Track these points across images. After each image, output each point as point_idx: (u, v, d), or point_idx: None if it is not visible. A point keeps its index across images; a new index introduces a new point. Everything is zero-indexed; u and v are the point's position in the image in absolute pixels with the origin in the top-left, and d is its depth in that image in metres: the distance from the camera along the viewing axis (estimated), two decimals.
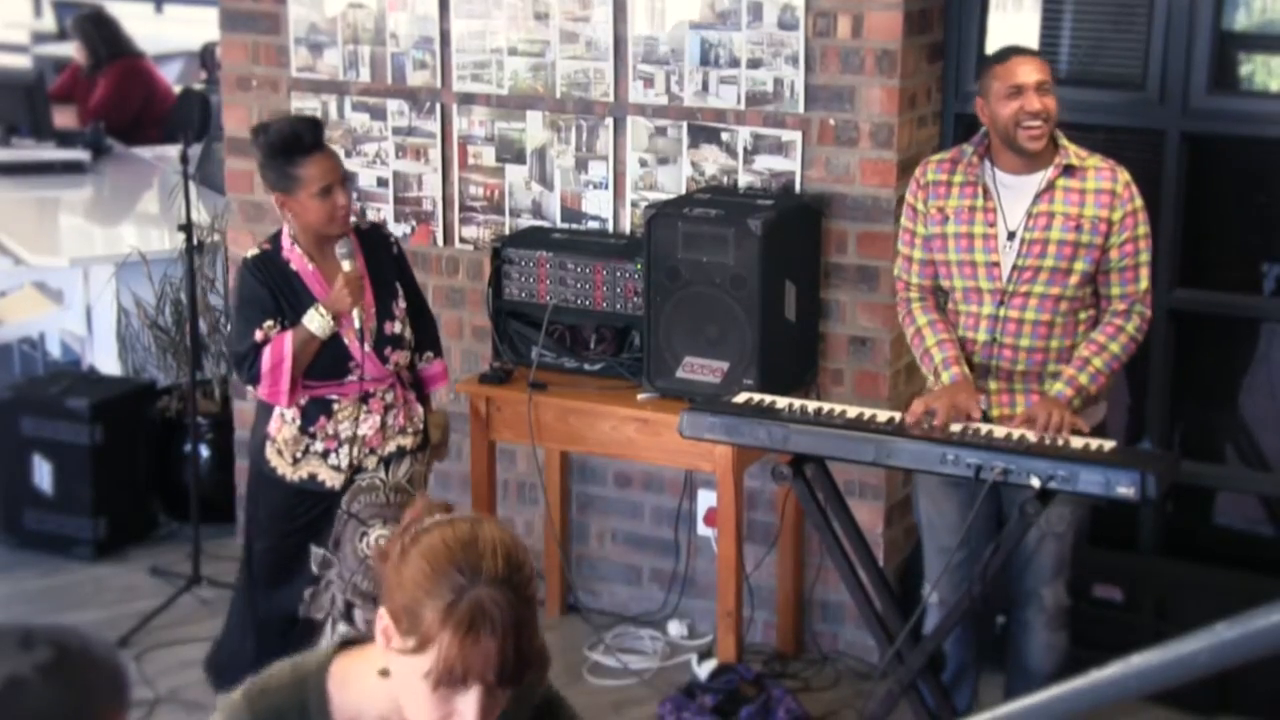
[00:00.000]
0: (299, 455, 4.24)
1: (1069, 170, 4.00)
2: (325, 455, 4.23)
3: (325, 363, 4.17)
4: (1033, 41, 4.86)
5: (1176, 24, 4.64)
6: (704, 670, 4.62)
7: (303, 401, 4.22)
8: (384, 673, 2.15)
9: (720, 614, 4.61)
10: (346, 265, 4.13)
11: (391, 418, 4.28)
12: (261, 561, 4.40)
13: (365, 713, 2.22)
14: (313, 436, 4.23)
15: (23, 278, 6.84)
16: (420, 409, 4.36)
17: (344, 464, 4.24)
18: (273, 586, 4.40)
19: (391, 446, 4.29)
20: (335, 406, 4.22)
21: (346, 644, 2.29)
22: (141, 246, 6.27)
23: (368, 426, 4.24)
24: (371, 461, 4.28)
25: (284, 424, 4.23)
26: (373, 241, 4.30)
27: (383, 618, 2.13)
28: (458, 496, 5.39)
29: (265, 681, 2.25)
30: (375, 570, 4.21)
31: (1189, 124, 4.68)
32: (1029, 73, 3.94)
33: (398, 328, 4.26)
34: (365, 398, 4.24)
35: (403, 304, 4.29)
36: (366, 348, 4.18)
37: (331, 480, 4.24)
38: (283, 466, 4.25)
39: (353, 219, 4.32)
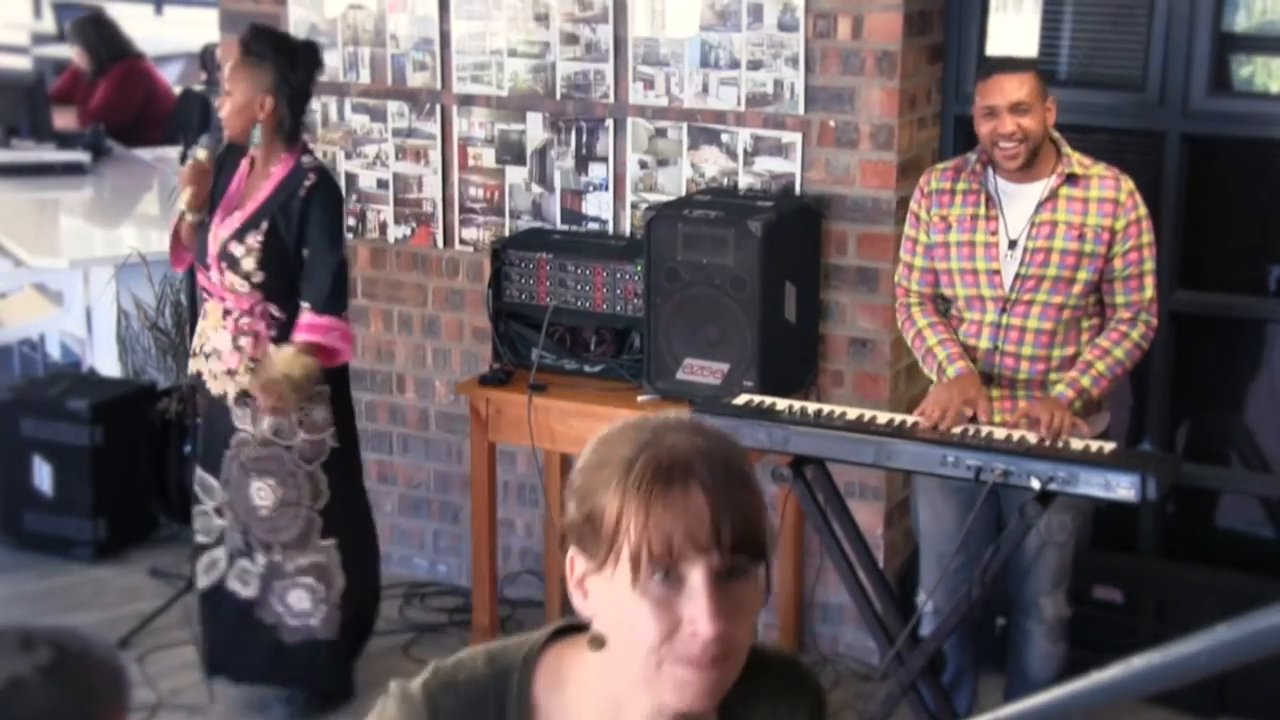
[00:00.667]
0: (197, 349, 4.56)
1: (1072, 179, 3.99)
2: (207, 357, 4.50)
3: (199, 245, 4.49)
4: (1033, 43, 4.86)
5: (1176, 25, 4.64)
6: None
7: (198, 291, 4.64)
8: (596, 641, 1.67)
9: None
10: (200, 154, 4.43)
11: (245, 343, 4.42)
12: None
13: (578, 714, 1.72)
14: (200, 333, 4.53)
15: (23, 279, 6.84)
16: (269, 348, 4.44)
17: (214, 371, 4.46)
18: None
19: (246, 379, 4.41)
20: (204, 309, 4.52)
21: (561, 631, 1.79)
22: (141, 248, 6.28)
23: (221, 342, 4.43)
24: (230, 387, 4.43)
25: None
26: (295, 175, 4.39)
27: (571, 565, 1.69)
28: (458, 498, 5.39)
29: (453, 673, 1.75)
30: (266, 518, 4.42)
31: (1189, 125, 4.68)
32: (1005, 93, 3.91)
33: (239, 252, 4.37)
34: (226, 312, 4.43)
35: (259, 239, 4.35)
36: (214, 249, 4.41)
37: (210, 383, 4.49)
38: (192, 359, 4.61)
39: (307, 158, 4.43)
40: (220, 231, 4.38)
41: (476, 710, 1.71)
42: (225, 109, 4.37)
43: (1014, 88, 3.91)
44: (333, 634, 4.56)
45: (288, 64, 4.35)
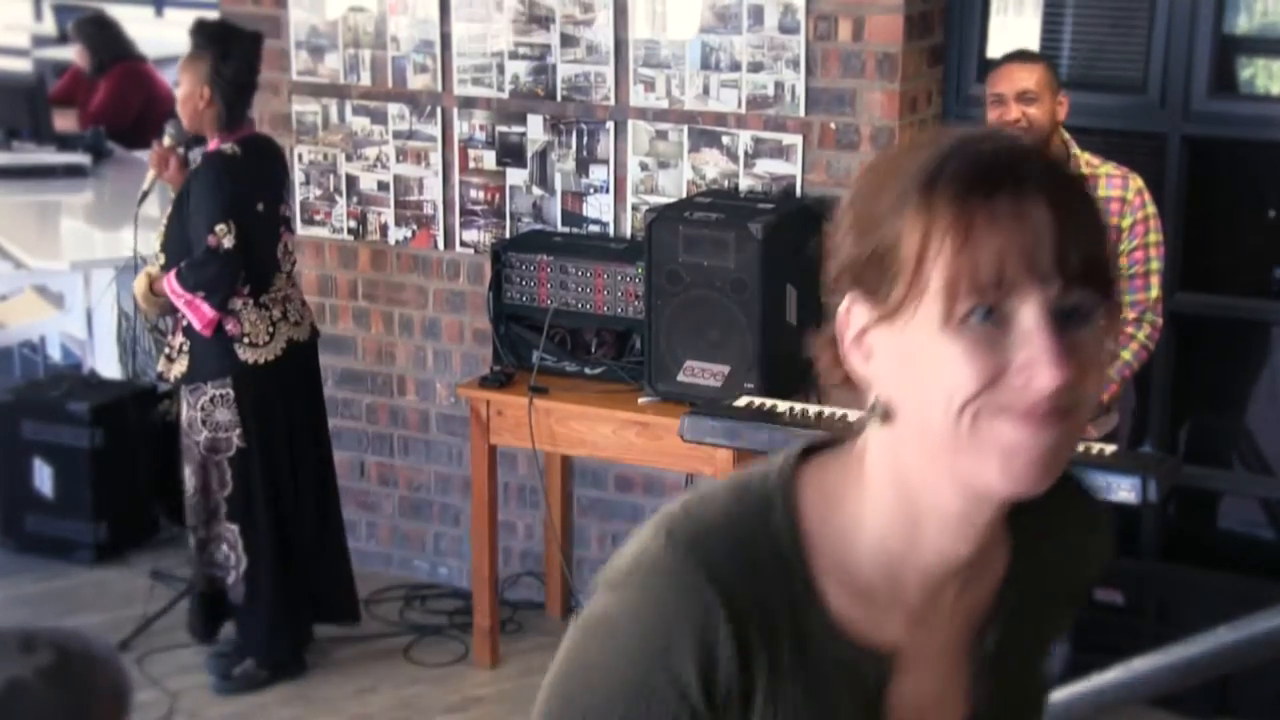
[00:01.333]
0: None
1: None
2: None
3: None
4: (1034, 45, 4.85)
5: (1177, 27, 4.64)
6: None
7: None
8: (880, 412, 1.31)
9: None
10: (165, 140, 4.67)
11: (168, 324, 4.75)
12: None
13: (862, 536, 1.34)
14: None
15: (23, 281, 6.84)
16: (185, 341, 4.63)
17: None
18: None
19: (174, 370, 4.65)
20: None
21: (806, 453, 1.40)
22: (142, 250, 6.26)
23: (170, 324, 4.75)
24: (175, 371, 4.66)
25: None
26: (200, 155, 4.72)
27: (846, 318, 1.32)
28: (459, 500, 5.39)
29: (700, 515, 1.36)
30: (191, 504, 4.66)
31: (1190, 128, 4.68)
32: (1013, 81, 3.94)
33: (156, 234, 4.69)
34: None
35: (164, 222, 4.63)
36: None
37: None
38: None
39: (226, 145, 4.58)
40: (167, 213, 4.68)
41: (747, 550, 1.32)
42: (178, 101, 4.61)
43: (1023, 76, 3.94)
44: (239, 599, 4.75)
45: (220, 55, 4.52)
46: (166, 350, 4.71)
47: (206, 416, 4.63)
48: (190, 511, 4.75)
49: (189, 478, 4.71)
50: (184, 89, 4.56)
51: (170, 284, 4.58)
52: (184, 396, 4.68)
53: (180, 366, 4.63)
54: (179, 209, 4.60)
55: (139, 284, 4.72)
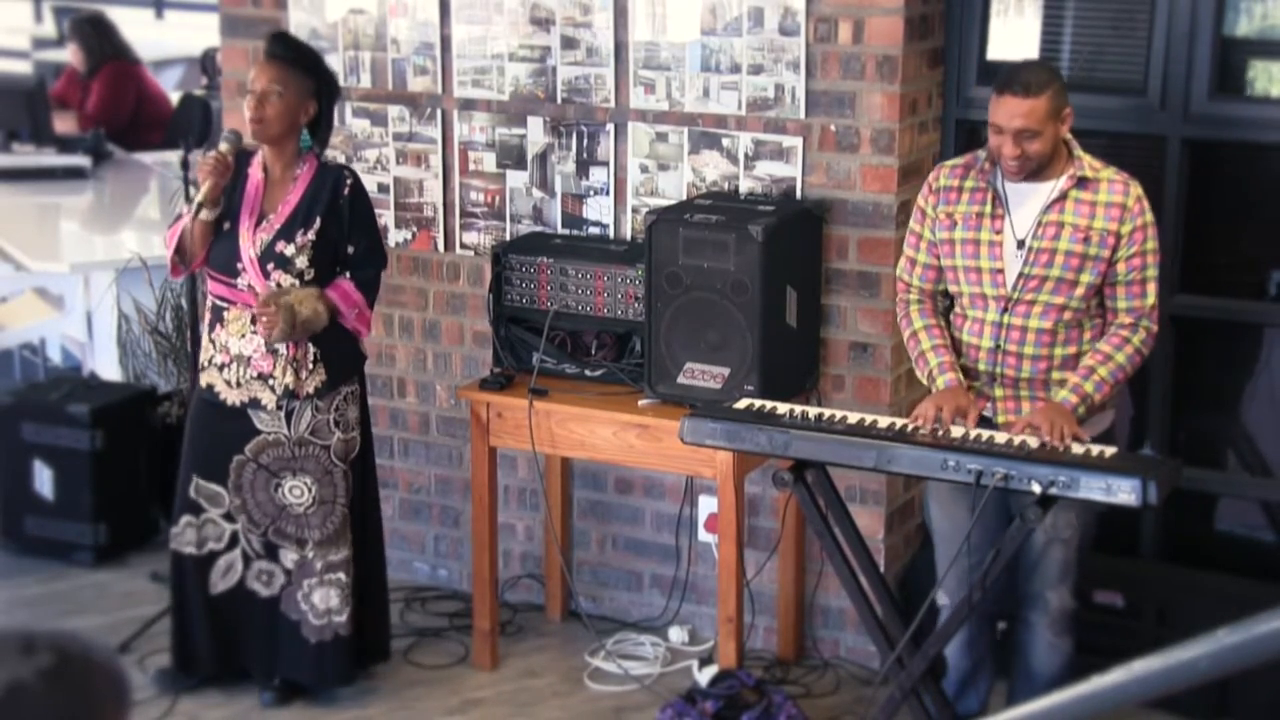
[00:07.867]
0: (205, 363, 4.57)
1: (1081, 182, 3.97)
2: (221, 369, 4.52)
3: (222, 253, 4.49)
4: (1033, 47, 4.86)
5: (1178, 29, 4.64)
6: (705, 676, 4.62)
7: (210, 303, 4.57)
8: None
9: (721, 620, 4.61)
10: (222, 147, 4.47)
11: (282, 345, 4.46)
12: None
13: None
14: (213, 344, 4.53)
15: (24, 283, 6.84)
16: (315, 350, 4.49)
17: (233, 380, 4.50)
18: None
19: (285, 381, 4.45)
20: (226, 315, 4.50)
21: None
22: (142, 252, 6.27)
23: (253, 348, 4.47)
24: (268, 397, 4.48)
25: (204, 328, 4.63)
26: (324, 175, 4.53)
27: None
28: (459, 502, 5.39)
29: None
30: (299, 515, 4.47)
31: (1190, 130, 4.68)
32: (1010, 117, 3.86)
33: (289, 251, 4.45)
34: (254, 318, 4.45)
35: (310, 236, 4.45)
36: (253, 252, 4.45)
37: (225, 393, 4.51)
38: (201, 373, 4.59)
39: (325, 154, 4.60)
40: (260, 235, 4.45)
41: None
42: (271, 108, 4.41)
43: (1022, 113, 3.85)
44: (351, 630, 4.66)
45: (325, 78, 4.54)
46: (262, 373, 4.47)
47: (340, 417, 4.56)
48: (294, 523, 4.57)
49: (304, 489, 4.55)
50: (291, 99, 4.41)
51: (352, 293, 4.48)
52: (306, 406, 4.50)
53: (318, 378, 4.50)
54: (327, 227, 4.44)
55: (304, 301, 4.40)
